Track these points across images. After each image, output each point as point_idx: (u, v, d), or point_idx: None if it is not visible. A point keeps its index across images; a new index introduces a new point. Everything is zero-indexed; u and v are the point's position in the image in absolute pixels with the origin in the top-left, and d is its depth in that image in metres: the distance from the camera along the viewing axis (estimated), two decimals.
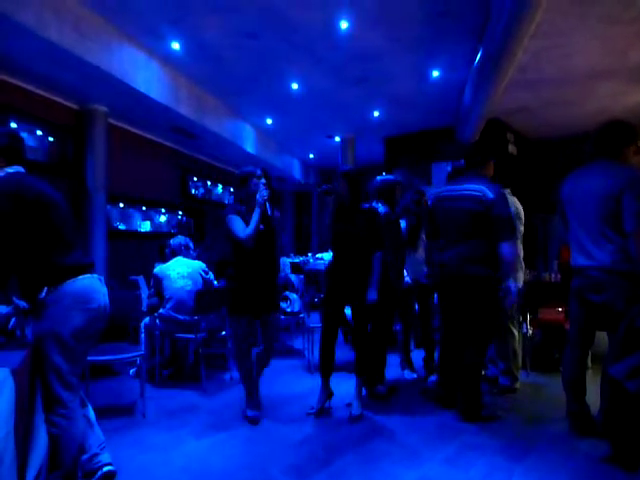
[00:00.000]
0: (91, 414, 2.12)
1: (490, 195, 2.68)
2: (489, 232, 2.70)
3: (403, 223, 3.74)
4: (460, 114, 6.99)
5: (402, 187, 3.62)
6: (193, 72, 5.84)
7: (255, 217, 2.68)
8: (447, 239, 2.87)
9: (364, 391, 3.25)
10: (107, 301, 2.04)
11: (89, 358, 2.69)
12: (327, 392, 3.05)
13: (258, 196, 2.71)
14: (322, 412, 3.00)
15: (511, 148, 7.68)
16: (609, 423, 2.28)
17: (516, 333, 3.44)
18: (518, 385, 3.42)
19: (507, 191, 3.34)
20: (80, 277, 1.93)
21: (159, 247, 4.44)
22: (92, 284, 1.97)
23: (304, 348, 4.67)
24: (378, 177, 3.53)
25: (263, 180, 2.80)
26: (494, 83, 4.89)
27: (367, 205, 3.06)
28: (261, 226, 2.77)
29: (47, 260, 1.88)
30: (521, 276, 3.35)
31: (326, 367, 3.02)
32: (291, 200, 12.58)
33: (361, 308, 2.97)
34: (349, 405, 3.05)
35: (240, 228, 2.70)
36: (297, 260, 7.86)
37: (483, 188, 2.72)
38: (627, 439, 2.24)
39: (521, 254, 3.40)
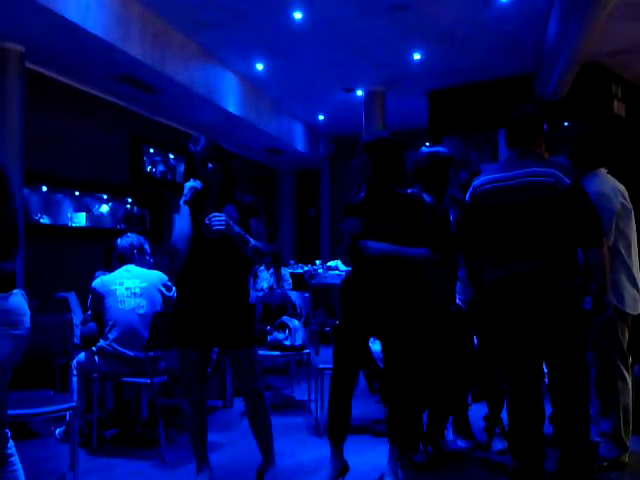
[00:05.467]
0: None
1: (567, 180, 2.73)
2: (568, 233, 2.76)
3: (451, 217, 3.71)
4: (541, 56, 6.92)
5: (455, 165, 3.61)
6: None
7: (183, 216, 2.85)
8: (506, 248, 2.89)
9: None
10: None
11: None
12: (340, 464, 3.04)
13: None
14: None
15: (617, 106, 7.59)
16: None
17: (629, 379, 3.41)
18: (627, 458, 3.36)
19: (603, 172, 3.38)
20: (12, 292, 2.16)
21: (105, 252, 4.46)
22: (22, 302, 2.21)
23: (310, 399, 4.66)
24: (423, 149, 3.53)
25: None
26: (594, 7, 4.83)
27: (409, 190, 3.09)
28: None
29: None
30: (636, 297, 3.35)
31: (338, 428, 3.03)
32: (290, 182, 12.57)
33: (399, 344, 2.98)
34: None
35: (177, 227, 2.87)
36: (300, 271, 7.86)
37: (554, 172, 2.77)
38: None
39: (637, 268, 3.40)
